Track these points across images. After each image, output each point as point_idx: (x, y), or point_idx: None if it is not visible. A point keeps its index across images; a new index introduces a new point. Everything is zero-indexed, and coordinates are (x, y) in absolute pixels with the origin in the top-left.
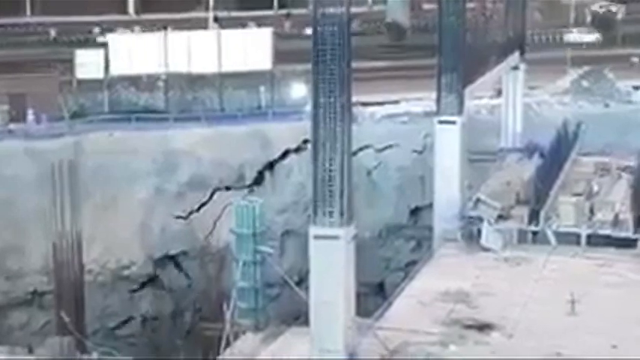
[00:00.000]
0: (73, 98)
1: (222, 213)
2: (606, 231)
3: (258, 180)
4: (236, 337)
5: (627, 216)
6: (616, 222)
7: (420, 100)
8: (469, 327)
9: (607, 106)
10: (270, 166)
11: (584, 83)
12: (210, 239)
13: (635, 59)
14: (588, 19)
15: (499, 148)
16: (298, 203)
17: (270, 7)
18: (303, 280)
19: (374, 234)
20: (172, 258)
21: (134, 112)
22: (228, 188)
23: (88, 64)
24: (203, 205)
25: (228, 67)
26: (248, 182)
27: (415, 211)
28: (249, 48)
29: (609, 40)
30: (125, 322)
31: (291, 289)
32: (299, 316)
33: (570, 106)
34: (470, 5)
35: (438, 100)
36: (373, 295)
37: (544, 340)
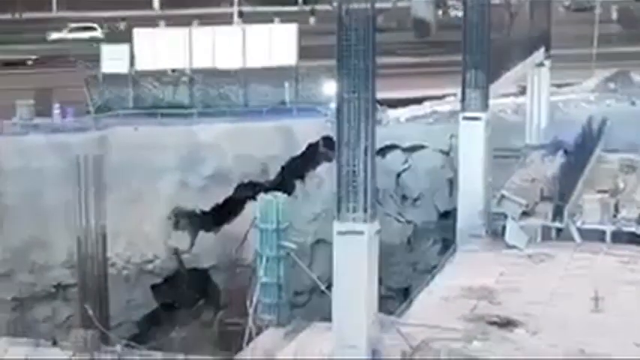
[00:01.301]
0: (99, 93)
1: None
2: (631, 228)
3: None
4: (259, 332)
5: None
6: None
7: (443, 99)
8: (492, 323)
9: (633, 104)
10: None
11: (611, 85)
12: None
13: None
14: (614, 15)
15: (524, 144)
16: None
17: (295, 3)
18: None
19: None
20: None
21: (159, 107)
22: (252, 184)
23: (113, 59)
24: (228, 200)
25: (253, 62)
26: (272, 177)
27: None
28: (274, 44)
29: (635, 36)
30: (148, 315)
31: (319, 295)
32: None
33: (597, 104)
34: (495, 1)
35: (463, 97)
36: (400, 299)
37: (568, 337)
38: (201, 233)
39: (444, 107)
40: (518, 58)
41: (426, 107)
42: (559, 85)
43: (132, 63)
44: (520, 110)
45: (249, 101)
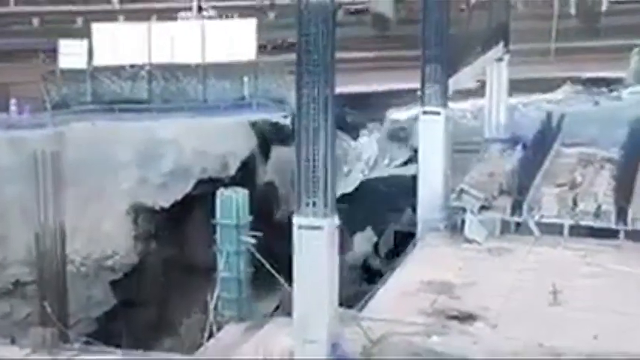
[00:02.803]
0: (56, 88)
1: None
2: (589, 222)
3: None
4: (219, 327)
5: (610, 207)
6: (598, 213)
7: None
8: (452, 317)
9: (597, 104)
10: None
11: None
12: None
13: None
14: (572, 10)
15: (483, 138)
16: None
17: None
18: None
19: None
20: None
21: (117, 102)
22: (212, 179)
23: (71, 54)
24: (187, 196)
25: (212, 57)
26: (232, 172)
27: None
28: (233, 38)
29: (593, 30)
30: (107, 312)
31: None
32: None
33: (560, 105)
34: None
35: (422, 91)
36: None
37: (526, 330)
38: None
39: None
40: (477, 53)
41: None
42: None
43: (90, 58)
44: (481, 115)
45: (209, 96)
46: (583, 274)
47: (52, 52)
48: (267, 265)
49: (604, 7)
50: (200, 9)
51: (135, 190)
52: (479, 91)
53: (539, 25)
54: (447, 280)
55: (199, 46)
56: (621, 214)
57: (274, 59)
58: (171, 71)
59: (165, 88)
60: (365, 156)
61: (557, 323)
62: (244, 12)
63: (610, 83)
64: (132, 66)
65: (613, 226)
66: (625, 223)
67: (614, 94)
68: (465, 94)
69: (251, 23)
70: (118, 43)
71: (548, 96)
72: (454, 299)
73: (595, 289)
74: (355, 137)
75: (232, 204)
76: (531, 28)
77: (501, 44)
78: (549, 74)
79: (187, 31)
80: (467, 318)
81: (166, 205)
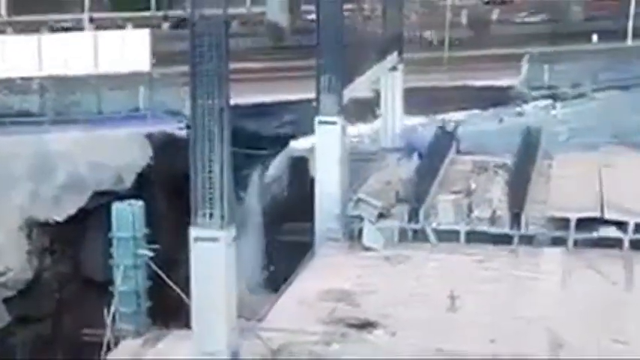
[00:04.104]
0: None
1: None
2: (484, 228)
3: None
4: (117, 342)
5: (504, 212)
6: (493, 219)
7: None
8: (351, 325)
9: (501, 121)
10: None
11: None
12: None
13: None
14: (464, 20)
15: (379, 147)
16: None
17: (148, 9)
18: None
19: None
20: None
21: (8, 115)
22: (107, 192)
23: None
24: (82, 209)
25: (105, 68)
26: (128, 185)
27: None
28: (127, 49)
29: (485, 39)
30: (1, 329)
31: None
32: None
33: (464, 125)
34: (348, 6)
35: (318, 101)
36: None
37: (425, 336)
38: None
39: None
40: (372, 62)
41: None
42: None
43: None
44: (381, 152)
45: (103, 108)
46: (480, 279)
47: None
48: (166, 278)
49: (495, 16)
50: (91, 20)
51: (28, 205)
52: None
53: (432, 34)
54: (346, 288)
55: (92, 58)
56: (515, 219)
57: (169, 70)
58: (64, 83)
59: (58, 101)
60: None
61: (455, 328)
62: (138, 23)
63: (502, 91)
64: (23, 79)
65: (508, 231)
66: (519, 228)
67: (518, 109)
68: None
69: (144, 34)
70: (7, 56)
71: (450, 116)
72: (353, 307)
73: (492, 294)
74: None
75: (128, 217)
76: (424, 37)
77: (395, 53)
78: (443, 83)
79: (79, 43)
80: (366, 326)
81: (61, 219)
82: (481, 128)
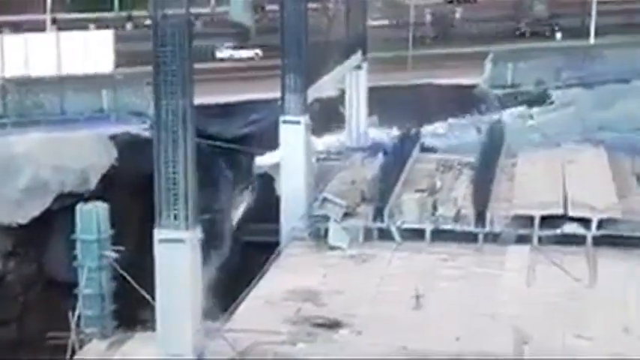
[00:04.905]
0: None
1: None
2: (449, 226)
3: None
4: (82, 345)
5: (468, 211)
6: (458, 217)
7: None
8: (317, 325)
9: (480, 131)
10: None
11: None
12: None
13: None
14: (428, 18)
15: (344, 147)
16: None
17: (111, 9)
18: None
19: None
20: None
21: None
22: (72, 194)
23: None
24: (46, 211)
25: (69, 69)
26: (92, 186)
27: None
28: (90, 50)
29: (447, 38)
30: None
31: None
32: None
33: (444, 138)
34: (312, 6)
35: (283, 100)
36: None
37: (391, 335)
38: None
39: None
40: (336, 61)
41: None
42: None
43: None
44: (346, 152)
45: (66, 109)
46: (445, 277)
47: None
48: (131, 280)
49: (458, 15)
50: (54, 21)
51: None
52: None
53: (396, 33)
54: (312, 287)
55: (55, 59)
56: (480, 217)
57: (133, 70)
58: (27, 84)
59: (20, 102)
60: None
61: (420, 327)
62: (101, 23)
63: (467, 90)
64: None
65: (472, 229)
66: (484, 226)
67: (495, 117)
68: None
69: (108, 35)
70: None
71: (430, 128)
72: (319, 307)
73: (457, 292)
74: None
75: (92, 218)
76: (388, 37)
77: (359, 52)
78: (406, 82)
79: (42, 44)
80: (332, 325)
81: (24, 221)
82: (462, 141)
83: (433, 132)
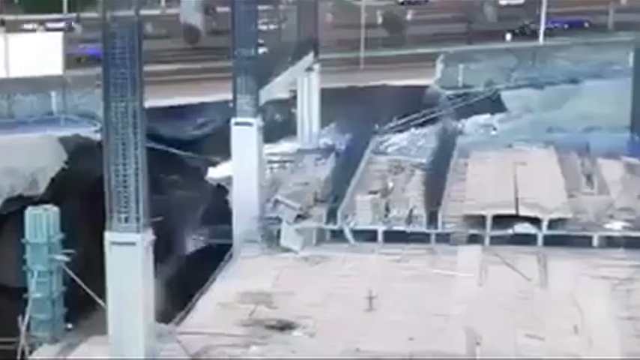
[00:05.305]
0: None
1: None
2: (401, 227)
3: None
4: (32, 350)
5: (421, 212)
6: (411, 218)
7: None
8: (271, 327)
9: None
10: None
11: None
12: None
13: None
14: (379, 20)
15: (297, 148)
16: None
17: (60, 11)
18: None
19: None
20: None
21: None
22: (21, 198)
23: None
24: None
25: (17, 72)
26: (42, 190)
27: None
28: (39, 52)
29: (399, 39)
30: None
31: None
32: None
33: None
34: (262, 8)
35: (234, 102)
36: None
37: (344, 337)
38: None
39: None
40: (288, 63)
41: None
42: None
43: None
44: (299, 153)
45: (15, 112)
46: (398, 278)
47: None
48: (81, 284)
49: (409, 17)
50: (2, 23)
51: None
52: None
53: (348, 34)
54: (265, 290)
55: (3, 61)
56: (432, 218)
57: (84, 73)
58: None
59: None
60: None
61: (374, 328)
62: (50, 26)
63: (419, 90)
64: None
65: (425, 230)
66: (436, 227)
67: (459, 126)
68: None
69: (57, 37)
70: None
71: (389, 140)
72: (272, 309)
73: (410, 293)
74: None
75: (42, 222)
76: (340, 38)
77: (311, 54)
78: (359, 83)
79: None
80: (285, 327)
81: None
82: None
83: (398, 144)
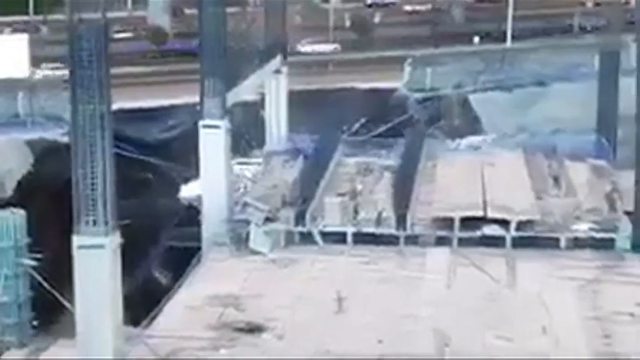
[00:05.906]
0: None
1: None
2: (370, 229)
3: None
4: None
5: (390, 214)
6: (379, 220)
7: None
8: (239, 330)
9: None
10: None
11: None
12: None
13: None
14: (347, 22)
15: (265, 151)
16: None
17: (26, 13)
18: None
19: None
20: None
21: None
22: None
23: None
24: None
25: None
26: (9, 192)
27: None
28: (4, 55)
29: (366, 42)
30: None
31: None
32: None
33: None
34: (230, 10)
35: (201, 105)
36: None
37: (313, 340)
38: None
39: None
40: (256, 65)
41: None
42: None
43: None
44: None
45: None
46: (367, 280)
47: None
48: (49, 288)
49: (377, 19)
50: None
51: None
52: None
53: (317, 37)
54: (233, 292)
55: None
56: (401, 220)
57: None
58: None
59: None
60: None
61: (343, 330)
62: (16, 27)
63: (387, 93)
64: None
65: (394, 232)
66: (405, 229)
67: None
68: None
69: (22, 39)
70: None
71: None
72: (241, 312)
73: (379, 295)
74: None
75: (9, 225)
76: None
77: (279, 57)
78: (328, 85)
79: None
80: (254, 330)
81: None
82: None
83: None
